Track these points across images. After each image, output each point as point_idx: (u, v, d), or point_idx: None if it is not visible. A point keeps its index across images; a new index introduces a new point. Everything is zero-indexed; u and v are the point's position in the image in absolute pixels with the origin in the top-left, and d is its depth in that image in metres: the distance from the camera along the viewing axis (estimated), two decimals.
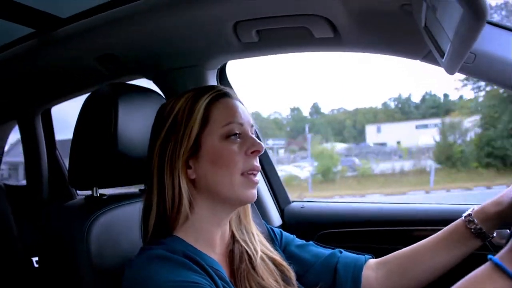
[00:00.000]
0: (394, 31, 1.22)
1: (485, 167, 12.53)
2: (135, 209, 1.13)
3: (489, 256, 0.82)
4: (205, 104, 1.04)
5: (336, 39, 1.31)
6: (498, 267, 0.80)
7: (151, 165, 1.05)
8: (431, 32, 0.97)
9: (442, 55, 0.97)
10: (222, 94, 1.08)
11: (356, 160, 18.60)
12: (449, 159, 13.65)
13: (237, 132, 1.05)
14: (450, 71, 1.00)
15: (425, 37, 1.04)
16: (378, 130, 22.21)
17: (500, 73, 1.14)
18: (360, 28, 1.25)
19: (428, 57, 1.23)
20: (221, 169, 1.02)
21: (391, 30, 1.22)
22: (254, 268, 1.08)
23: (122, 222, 1.22)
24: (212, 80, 1.71)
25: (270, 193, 1.95)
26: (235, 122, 1.05)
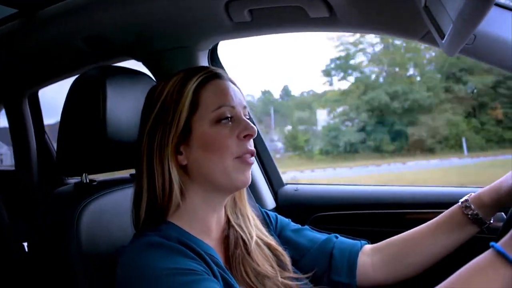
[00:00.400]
0: (392, 10, 1.18)
1: (324, 154, 13.79)
2: (126, 195, 1.10)
3: (491, 243, 0.80)
4: (194, 87, 1.00)
5: (331, 18, 1.27)
6: (500, 254, 0.78)
7: (141, 151, 1.02)
8: (431, 13, 0.94)
9: (442, 36, 0.94)
10: (212, 75, 1.04)
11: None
12: (296, 147, 14.69)
13: (229, 116, 1.01)
14: (450, 52, 0.97)
15: (424, 18, 1.00)
16: None
17: (500, 55, 1.12)
18: (357, 8, 1.21)
19: (426, 38, 1.20)
20: (213, 154, 0.99)
21: (388, 9, 1.19)
22: (249, 253, 1.06)
23: (113, 208, 1.19)
24: (203, 61, 1.68)
25: (264, 176, 1.93)
26: (226, 105, 1.01)
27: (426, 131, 11.89)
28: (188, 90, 1.00)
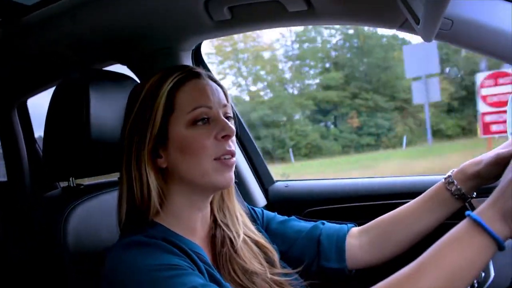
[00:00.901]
0: (369, 0, 1.19)
1: None
2: (113, 198, 1.10)
3: (467, 213, 0.81)
4: (168, 89, 0.99)
5: (310, 11, 1.27)
6: (476, 223, 0.79)
7: (121, 155, 1.02)
8: None
9: (417, 22, 0.95)
10: (188, 75, 1.02)
11: None
12: None
13: (205, 117, 0.99)
14: (427, 38, 0.98)
15: (400, 5, 1.01)
16: None
17: (478, 39, 1.12)
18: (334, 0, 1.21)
19: (404, 26, 1.20)
20: (191, 157, 0.98)
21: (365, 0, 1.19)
22: (236, 252, 1.06)
23: (100, 211, 1.20)
24: (187, 62, 1.67)
25: (253, 173, 1.93)
26: (202, 105, 0.99)
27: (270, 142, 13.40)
28: (163, 92, 0.99)
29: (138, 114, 1.00)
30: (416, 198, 1.16)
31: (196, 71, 1.05)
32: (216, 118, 1.01)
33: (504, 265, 1.10)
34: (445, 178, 1.12)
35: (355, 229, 1.22)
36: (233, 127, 1.01)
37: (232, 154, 1.01)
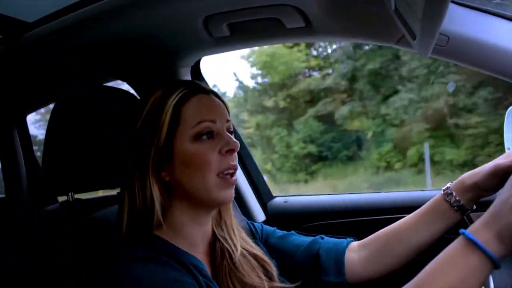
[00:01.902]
0: (366, 16, 1.20)
1: None
2: (113, 212, 1.11)
3: (461, 230, 0.81)
4: (173, 104, 1.00)
5: (308, 28, 1.29)
6: (471, 242, 0.79)
7: (123, 169, 1.02)
8: (401, 15, 0.96)
9: (414, 38, 0.96)
10: (192, 90, 1.04)
11: None
12: None
13: (210, 131, 1.01)
14: (424, 53, 0.99)
15: (396, 21, 1.02)
16: None
17: (474, 55, 1.13)
18: (331, 16, 1.23)
19: (401, 42, 1.22)
20: (195, 171, 0.98)
21: (363, 16, 1.20)
22: (235, 265, 1.06)
23: (100, 225, 1.19)
24: (186, 78, 1.69)
25: (252, 189, 1.93)
26: (206, 120, 1.01)
27: None
28: (168, 107, 0.99)
29: (143, 128, 1.00)
30: (415, 211, 1.16)
31: (199, 86, 1.06)
32: (220, 132, 1.02)
33: (504, 279, 1.09)
34: (444, 190, 1.11)
35: (354, 243, 1.22)
36: (237, 142, 1.02)
37: (235, 169, 1.02)
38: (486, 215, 0.82)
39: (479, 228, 0.80)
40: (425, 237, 1.12)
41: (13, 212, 2.29)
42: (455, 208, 1.09)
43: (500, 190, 0.83)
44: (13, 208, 2.30)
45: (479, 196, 1.08)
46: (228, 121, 1.06)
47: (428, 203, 1.15)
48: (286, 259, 1.21)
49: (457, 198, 1.09)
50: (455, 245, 0.81)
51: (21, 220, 2.25)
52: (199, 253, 1.05)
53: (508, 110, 1.25)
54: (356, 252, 1.20)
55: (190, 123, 0.99)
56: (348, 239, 1.24)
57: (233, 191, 1.04)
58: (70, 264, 1.10)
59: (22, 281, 1.14)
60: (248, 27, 1.37)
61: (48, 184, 1.22)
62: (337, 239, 1.24)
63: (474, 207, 1.10)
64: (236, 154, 1.05)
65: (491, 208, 0.82)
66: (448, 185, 1.12)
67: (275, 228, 1.29)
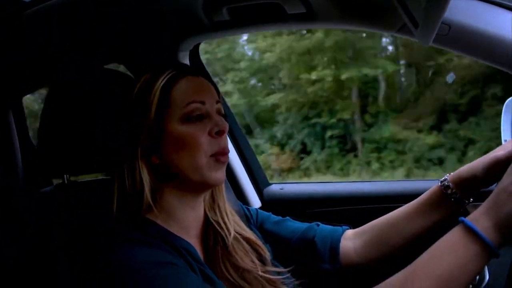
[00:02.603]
0: (367, 3, 1.19)
1: None
2: (106, 194, 1.10)
3: (461, 219, 0.81)
4: (162, 85, 0.99)
5: (308, 14, 1.28)
6: (471, 230, 0.79)
7: (113, 152, 1.02)
8: (404, 2, 0.95)
9: (416, 26, 0.95)
10: (181, 72, 1.03)
11: None
12: None
13: (199, 113, 1.00)
14: (425, 41, 0.98)
15: (398, 8, 1.01)
16: None
17: (475, 45, 1.13)
18: (332, 2, 1.22)
19: (403, 30, 1.20)
20: (185, 153, 0.98)
21: (364, 3, 1.20)
22: (228, 249, 1.06)
23: (95, 208, 1.19)
24: (185, 62, 1.67)
25: (248, 175, 1.93)
26: (195, 101, 1.00)
27: None
28: (156, 88, 0.99)
29: (132, 110, 1.00)
30: (412, 202, 1.15)
31: (188, 68, 1.05)
32: (210, 114, 1.01)
33: (499, 268, 1.10)
34: (441, 181, 1.10)
35: (349, 232, 1.23)
36: (227, 123, 1.02)
37: (226, 152, 1.02)
38: (485, 204, 0.82)
39: (479, 217, 0.80)
40: (420, 227, 1.12)
41: (7, 195, 2.29)
42: (452, 200, 1.08)
43: (501, 181, 0.83)
44: (8, 191, 2.30)
45: (477, 188, 1.07)
46: (218, 102, 1.05)
47: (425, 194, 1.14)
48: (281, 244, 1.21)
49: (454, 190, 1.07)
50: (454, 233, 0.81)
51: (19, 211, 2.25)
52: (192, 237, 1.05)
53: (506, 102, 1.24)
54: (351, 240, 1.20)
55: (180, 104, 0.99)
56: (343, 227, 1.24)
57: (224, 172, 1.03)
58: (65, 253, 1.10)
59: (20, 273, 1.13)
60: (248, 12, 1.35)
61: (43, 167, 1.22)
62: (332, 227, 1.24)
63: (471, 199, 1.09)
64: (226, 135, 1.04)
65: (491, 197, 0.82)
66: (446, 176, 1.10)
67: (271, 213, 1.29)
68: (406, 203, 1.17)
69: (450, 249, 0.80)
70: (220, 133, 1.00)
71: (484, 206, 0.82)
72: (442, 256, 0.80)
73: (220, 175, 1.01)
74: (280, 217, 1.28)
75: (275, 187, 1.98)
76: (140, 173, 0.97)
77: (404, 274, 0.82)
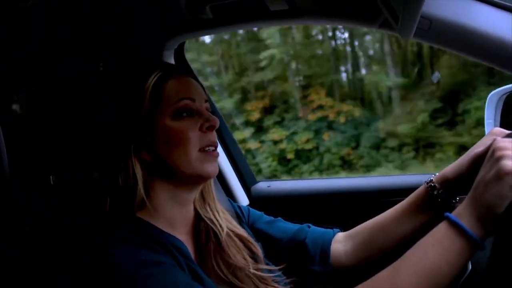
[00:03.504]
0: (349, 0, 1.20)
1: None
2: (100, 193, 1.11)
3: (446, 214, 0.82)
4: (154, 82, 1.01)
5: (291, 11, 1.28)
6: (454, 224, 0.80)
7: (105, 149, 1.02)
8: None
9: (396, 21, 0.96)
10: (171, 71, 1.05)
11: None
12: None
13: (189, 109, 1.02)
14: (406, 35, 1.00)
15: (379, 3, 1.02)
16: None
17: (456, 39, 1.14)
18: None
19: (384, 25, 1.21)
20: (176, 148, 0.99)
21: None
22: (220, 245, 1.07)
23: (83, 203, 1.19)
24: (170, 60, 1.67)
25: (236, 173, 1.93)
26: (186, 98, 1.02)
27: None
28: (148, 84, 1.00)
29: (123, 107, 1.01)
30: (399, 204, 1.15)
31: (177, 67, 1.09)
32: (200, 110, 1.04)
33: (480, 258, 1.11)
34: (427, 182, 1.09)
35: (340, 234, 1.23)
36: (217, 118, 1.03)
37: (215, 145, 1.04)
38: (467, 198, 0.83)
39: (462, 211, 0.82)
40: (409, 229, 1.11)
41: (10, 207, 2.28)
42: (439, 200, 1.07)
43: (478, 173, 0.84)
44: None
45: (462, 188, 1.03)
46: (206, 101, 1.07)
47: (411, 195, 1.13)
48: (272, 244, 1.21)
49: (440, 191, 1.06)
50: (439, 228, 0.83)
51: (16, 212, 2.24)
52: (181, 234, 1.05)
53: (489, 96, 1.25)
54: (342, 243, 1.20)
55: (170, 101, 1.00)
56: (334, 229, 1.24)
57: (217, 165, 1.04)
58: (62, 252, 1.10)
59: (18, 274, 1.13)
60: (231, 9, 1.36)
61: (32, 166, 1.22)
62: (323, 229, 1.24)
63: (458, 199, 1.08)
64: (215, 133, 1.05)
65: (471, 192, 0.84)
66: (432, 177, 1.09)
67: (263, 213, 1.30)
68: (394, 198, 1.17)
69: (436, 244, 0.81)
70: (210, 128, 1.02)
71: (466, 200, 0.83)
72: (428, 251, 0.81)
73: (212, 167, 1.03)
74: (271, 218, 1.28)
75: (263, 185, 1.98)
76: (133, 168, 0.98)
77: (391, 268, 0.83)
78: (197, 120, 1.02)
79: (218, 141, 1.07)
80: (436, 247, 0.81)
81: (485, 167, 0.84)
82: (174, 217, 1.04)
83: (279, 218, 1.29)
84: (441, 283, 0.80)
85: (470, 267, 1.02)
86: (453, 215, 0.82)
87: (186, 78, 1.06)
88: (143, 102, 0.99)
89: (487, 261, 0.87)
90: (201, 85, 1.10)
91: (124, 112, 1.01)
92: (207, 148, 1.02)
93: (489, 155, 0.85)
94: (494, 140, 0.86)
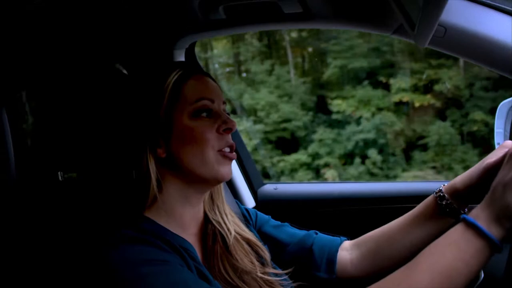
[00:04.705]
0: (364, 4, 1.19)
1: None
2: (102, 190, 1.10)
3: (463, 216, 0.82)
4: (174, 80, 1.01)
5: (305, 14, 1.28)
6: (471, 225, 0.80)
7: (118, 145, 1.02)
8: (401, 3, 0.95)
9: (412, 27, 0.95)
10: (191, 70, 1.05)
11: None
12: None
13: (208, 109, 1.01)
14: (421, 42, 0.99)
15: (395, 9, 1.01)
16: None
17: (470, 48, 1.13)
18: (329, 2, 1.22)
19: (398, 31, 1.21)
20: (193, 147, 0.99)
21: (361, 3, 1.20)
22: (228, 249, 1.06)
23: (89, 203, 1.19)
24: (180, 60, 1.67)
25: (243, 175, 1.93)
26: (206, 98, 1.01)
27: None
28: (168, 83, 1.00)
29: (139, 104, 1.01)
30: (408, 213, 1.13)
31: (199, 68, 1.08)
32: (218, 111, 1.03)
33: (494, 263, 1.09)
34: (436, 192, 1.08)
35: (347, 243, 1.22)
36: (235, 121, 1.03)
37: (232, 148, 1.03)
38: (484, 200, 0.83)
39: (480, 213, 0.81)
40: (417, 239, 1.10)
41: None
42: (447, 210, 1.06)
43: (496, 177, 0.84)
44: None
45: (471, 199, 1.03)
46: (224, 103, 1.07)
47: (420, 205, 1.12)
48: (278, 249, 1.21)
49: (449, 201, 1.05)
50: (455, 230, 0.82)
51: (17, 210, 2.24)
52: (190, 235, 1.05)
53: (499, 106, 1.24)
54: (348, 252, 1.20)
55: (190, 100, 1.00)
56: (341, 238, 1.24)
57: (231, 168, 1.04)
58: (63, 250, 1.10)
59: (18, 274, 1.13)
60: (245, 11, 1.35)
61: (38, 164, 1.21)
62: (330, 237, 1.24)
63: (466, 210, 1.07)
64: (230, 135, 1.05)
65: (488, 194, 0.83)
66: (441, 187, 1.08)
67: (270, 216, 1.29)
68: (403, 204, 1.16)
69: (452, 244, 0.80)
70: (228, 130, 1.02)
71: (483, 203, 0.82)
72: (443, 251, 0.80)
73: (227, 170, 1.02)
74: (279, 222, 1.28)
75: (269, 187, 1.98)
76: (147, 165, 0.98)
77: (406, 268, 0.83)
78: (215, 121, 1.01)
79: None
80: (452, 247, 0.80)
81: (504, 169, 0.84)
82: (184, 218, 1.04)
83: (286, 223, 1.29)
84: (455, 284, 0.79)
85: (482, 275, 1.01)
86: (471, 216, 0.81)
87: (205, 79, 1.05)
88: (162, 100, 0.99)
89: (504, 268, 0.86)
90: (219, 86, 1.09)
91: (143, 109, 1.00)
92: (224, 150, 1.01)
93: (507, 159, 0.84)
94: (509, 150, 0.86)
